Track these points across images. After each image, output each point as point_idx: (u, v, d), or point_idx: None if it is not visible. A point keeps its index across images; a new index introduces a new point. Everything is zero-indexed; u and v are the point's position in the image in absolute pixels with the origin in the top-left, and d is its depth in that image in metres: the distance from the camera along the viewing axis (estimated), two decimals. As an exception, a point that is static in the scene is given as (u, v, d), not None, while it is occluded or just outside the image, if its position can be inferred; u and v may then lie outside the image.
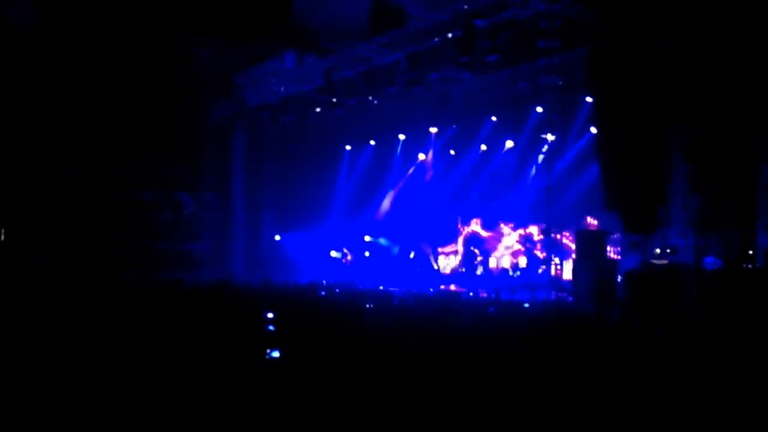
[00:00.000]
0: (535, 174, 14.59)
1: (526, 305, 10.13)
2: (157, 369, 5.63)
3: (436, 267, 19.08)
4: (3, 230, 17.96)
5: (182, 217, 20.99)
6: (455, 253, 18.81)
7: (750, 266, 10.00)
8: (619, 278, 11.26)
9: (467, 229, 18.67)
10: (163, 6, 14.08)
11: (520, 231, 17.36)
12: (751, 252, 10.15)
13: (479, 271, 17.21)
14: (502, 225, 17.61)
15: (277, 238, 20.51)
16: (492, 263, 17.69)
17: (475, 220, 18.37)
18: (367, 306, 9.30)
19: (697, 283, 9.36)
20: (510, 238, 17.78)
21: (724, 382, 5.07)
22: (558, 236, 13.32)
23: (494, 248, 17.91)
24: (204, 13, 14.37)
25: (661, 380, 5.19)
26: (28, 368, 5.46)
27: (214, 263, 20.15)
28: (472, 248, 17.88)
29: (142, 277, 16.39)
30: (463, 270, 17.81)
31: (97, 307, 9.37)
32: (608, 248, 12.13)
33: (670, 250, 10.52)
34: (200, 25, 14.85)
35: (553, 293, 12.21)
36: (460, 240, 18.95)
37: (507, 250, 17.75)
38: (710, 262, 9.89)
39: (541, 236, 14.93)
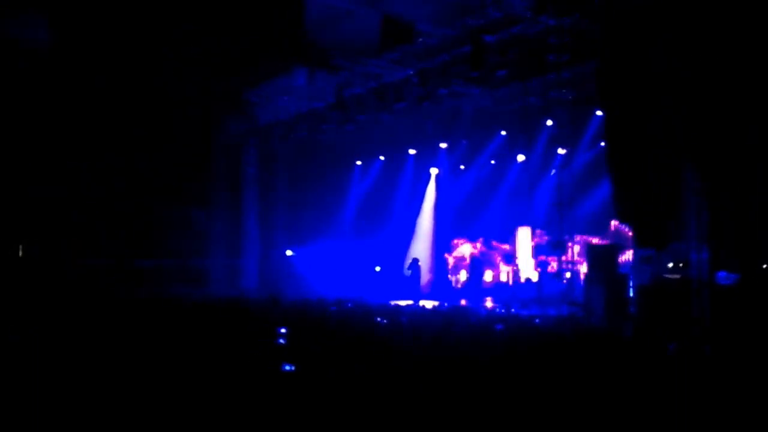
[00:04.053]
0: (546, 188, 14.58)
1: (537, 321, 10.06)
2: (170, 383, 5.65)
3: (451, 279, 19.02)
4: (21, 246, 18.20)
5: (193, 233, 21.09)
6: (465, 267, 18.76)
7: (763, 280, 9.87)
8: (631, 293, 11.16)
9: (476, 246, 18.63)
10: (174, 24, 14.31)
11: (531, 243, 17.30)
12: (765, 266, 10.02)
13: (488, 278, 17.16)
14: (518, 231, 17.57)
15: (289, 253, 20.54)
16: (502, 277, 17.63)
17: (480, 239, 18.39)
18: (378, 320, 9.29)
19: (711, 297, 9.26)
20: (522, 251, 17.72)
21: (739, 397, 5.00)
22: (570, 250, 13.23)
23: (502, 262, 17.85)
24: (216, 29, 14.58)
25: (675, 395, 5.12)
26: (45, 381, 5.50)
27: (224, 279, 20.20)
28: (479, 262, 17.84)
29: (152, 292, 16.45)
30: (468, 281, 17.78)
31: (110, 322, 9.42)
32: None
33: (683, 264, 10.42)
34: (212, 42, 15.05)
35: (565, 308, 12.10)
36: (468, 255, 18.91)
37: (520, 263, 17.68)
38: (723, 276, 9.78)
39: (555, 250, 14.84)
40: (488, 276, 17.62)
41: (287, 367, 6.16)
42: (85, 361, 6.44)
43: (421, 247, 20.01)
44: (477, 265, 17.56)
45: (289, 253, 20.50)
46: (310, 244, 20.67)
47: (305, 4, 13.09)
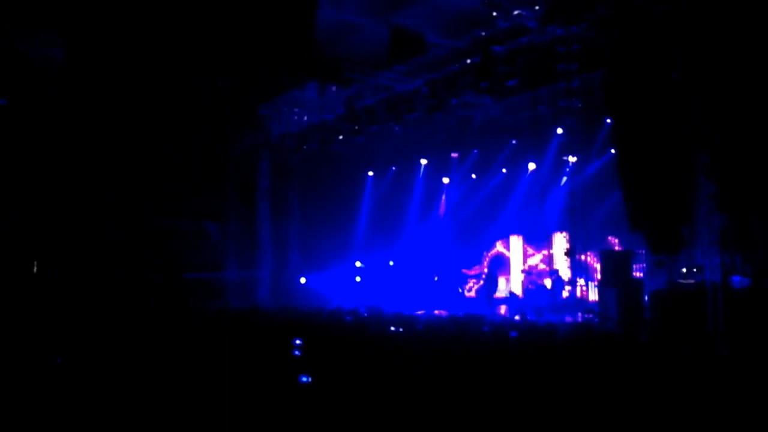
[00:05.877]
0: (557, 195, 14.65)
1: (552, 328, 10.09)
2: (189, 394, 5.78)
3: (460, 290, 19.08)
4: (35, 262, 18.45)
5: (208, 246, 21.27)
6: (480, 275, 18.82)
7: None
8: (646, 298, 11.17)
9: (492, 251, 18.68)
10: (189, 40, 14.59)
11: (544, 252, 17.34)
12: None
13: (502, 287, 17.17)
14: (526, 246, 17.60)
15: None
16: (515, 286, 17.65)
17: (499, 242, 18.43)
18: (392, 329, 9.39)
19: (725, 301, 9.27)
20: (534, 258, 17.75)
21: (753, 400, 5.04)
22: (582, 257, 13.27)
23: (517, 269, 17.86)
24: (228, 45, 14.84)
25: (690, 399, 5.17)
26: (69, 393, 5.66)
27: (239, 292, 20.34)
28: (493, 271, 17.87)
29: (168, 306, 16.61)
30: (481, 288, 17.80)
31: (129, 336, 9.58)
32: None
33: (696, 269, 10.43)
34: (225, 57, 15.30)
35: (579, 315, 12.14)
36: (485, 263, 18.97)
37: (532, 272, 17.69)
38: (737, 280, 9.78)
39: (566, 258, 14.89)
40: (502, 284, 17.64)
41: (303, 378, 6.25)
42: (108, 373, 6.58)
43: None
44: (491, 275, 17.61)
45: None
46: (323, 253, 20.79)
47: (317, 18, 13.31)
